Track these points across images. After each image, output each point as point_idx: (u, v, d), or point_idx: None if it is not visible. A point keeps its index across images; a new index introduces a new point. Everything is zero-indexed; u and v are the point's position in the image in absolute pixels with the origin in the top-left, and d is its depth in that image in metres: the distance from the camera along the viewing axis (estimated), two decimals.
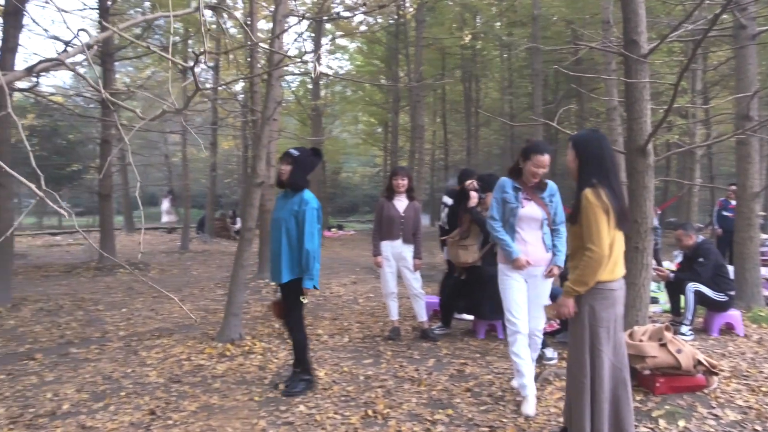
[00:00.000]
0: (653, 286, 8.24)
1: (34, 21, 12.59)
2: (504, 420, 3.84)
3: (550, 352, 5.18)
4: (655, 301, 7.69)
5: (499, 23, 20.38)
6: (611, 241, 3.02)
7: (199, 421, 3.85)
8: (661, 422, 3.74)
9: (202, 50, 1.86)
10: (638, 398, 4.12)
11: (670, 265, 9.08)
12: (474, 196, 5.80)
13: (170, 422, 3.83)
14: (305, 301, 4.38)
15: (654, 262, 9.76)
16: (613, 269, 3.09)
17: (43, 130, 19.12)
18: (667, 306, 7.02)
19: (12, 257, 8.59)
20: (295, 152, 4.49)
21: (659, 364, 4.21)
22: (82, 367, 5.13)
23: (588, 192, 3.03)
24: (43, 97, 11.76)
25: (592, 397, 3.07)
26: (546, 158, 4.02)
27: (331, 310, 7.77)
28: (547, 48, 12.39)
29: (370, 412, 3.98)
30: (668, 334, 4.31)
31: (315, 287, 4.36)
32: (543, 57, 14.82)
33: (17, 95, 14.28)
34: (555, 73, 20.01)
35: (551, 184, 4.27)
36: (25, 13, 8.64)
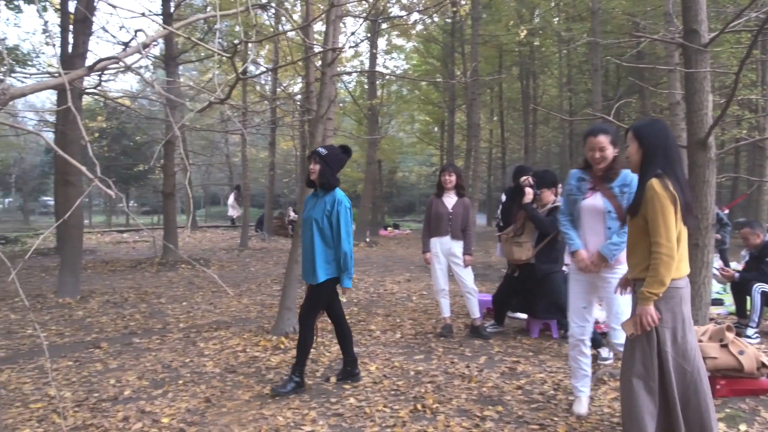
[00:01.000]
0: (718, 287, 7.93)
1: (103, 28, 13.16)
2: (555, 419, 3.78)
3: (605, 352, 5.06)
4: (719, 302, 7.39)
5: (557, 18, 20.00)
6: (677, 236, 2.84)
7: (252, 410, 3.95)
8: (721, 426, 3.60)
9: (240, 41, 1.92)
10: None
11: (737, 266, 8.71)
12: (529, 193, 5.73)
13: (224, 410, 3.95)
14: (344, 299, 4.42)
15: (720, 262, 9.43)
16: (678, 266, 2.87)
17: (112, 132, 19.98)
18: (733, 308, 6.73)
19: (81, 253, 9.02)
20: (323, 151, 4.43)
21: (720, 366, 4.05)
22: (144, 356, 5.35)
23: (654, 182, 2.82)
24: (111, 100, 12.28)
25: (664, 402, 2.89)
26: (599, 139, 3.66)
27: (384, 306, 7.81)
28: (607, 42, 12.07)
29: (419, 406, 3.99)
30: (730, 335, 4.15)
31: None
32: (603, 52, 14.44)
33: (88, 99, 14.96)
34: (616, 68, 19.47)
35: (624, 173, 3.77)
36: (93, 20, 9.03)
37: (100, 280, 10.26)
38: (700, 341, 4.16)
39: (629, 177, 3.73)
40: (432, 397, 4.16)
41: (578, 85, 22.55)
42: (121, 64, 2.43)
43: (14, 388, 4.44)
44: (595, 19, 13.87)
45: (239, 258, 14.05)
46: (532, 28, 18.63)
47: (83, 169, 1.63)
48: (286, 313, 6.08)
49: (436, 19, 20.25)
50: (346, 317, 6.97)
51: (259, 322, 6.79)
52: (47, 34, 14.71)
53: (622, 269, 3.64)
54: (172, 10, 12.83)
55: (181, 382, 4.58)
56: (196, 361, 5.19)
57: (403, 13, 16.25)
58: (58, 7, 12.68)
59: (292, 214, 20.31)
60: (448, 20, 20.32)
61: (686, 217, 2.87)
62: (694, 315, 4.63)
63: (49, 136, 15.15)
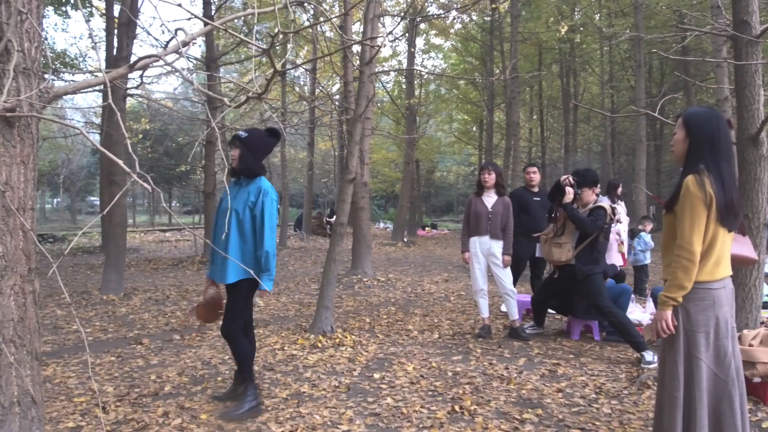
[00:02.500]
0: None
1: (146, 31, 13.47)
2: (597, 423, 3.67)
3: (649, 356, 4.91)
4: None
5: (598, 14, 19.63)
6: (712, 237, 2.63)
7: (290, 408, 3.95)
8: None
9: (275, 33, 1.91)
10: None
11: None
12: (569, 192, 5.57)
13: (262, 407, 3.96)
14: (261, 303, 3.80)
15: None
16: (714, 270, 2.66)
17: (155, 134, 20.44)
18: None
19: (125, 251, 9.24)
20: (242, 134, 3.94)
21: None
22: (184, 353, 5.42)
23: (690, 179, 2.62)
24: (155, 101, 12.55)
25: (687, 412, 2.66)
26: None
27: (422, 306, 7.77)
28: (651, 37, 11.75)
29: (457, 407, 3.93)
30: None
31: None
32: (646, 47, 14.08)
33: (132, 101, 15.29)
34: (660, 64, 19.00)
35: None
36: (137, 23, 9.23)
37: (143, 278, 10.48)
38: (751, 345, 3.99)
39: None
40: (470, 399, 4.09)
41: (621, 82, 22.09)
42: (161, 62, 2.45)
43: (59, 381, 4.55)
44: (639, 14, 13.54)
45: (278, 257, 14.19)
46: (573, 25, 18.32)
47: (120, 162, 1.65)
48: (324, 312, 6.09)
49: (474, 18, 20.10)
50: (384, 317, 6.99)
51: (296, 320, 6.82)
52: (92, 38, 15.11)
53: None
54: (213, 12, 13.04)
55: (219, 379, 4.62)
56: None
57: (441, 11, 16.15)
58: (104, 11, 13.03)
59: (332, 217, 20.47)
60: (487, 18, 20.15)
61: (724, 219, 2.62)
62: (745, 318, 4.46)
63: (96, 137, 15.58)
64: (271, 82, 2.18)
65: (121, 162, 1.64)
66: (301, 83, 22.68)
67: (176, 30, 2.53)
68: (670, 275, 2.68)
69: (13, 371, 2.17)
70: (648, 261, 8.35)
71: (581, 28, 19.47)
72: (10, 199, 2.15)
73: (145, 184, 1.55)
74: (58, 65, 13.48)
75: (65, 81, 12.47)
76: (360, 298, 8.41)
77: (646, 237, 8.27)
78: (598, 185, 5.81)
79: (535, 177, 7.22)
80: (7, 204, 2.13)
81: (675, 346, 2.70)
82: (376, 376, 4.66)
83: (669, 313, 2.70)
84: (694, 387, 2.64)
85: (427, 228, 25.23)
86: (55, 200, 48.38)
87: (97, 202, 33.92)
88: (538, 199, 7.05)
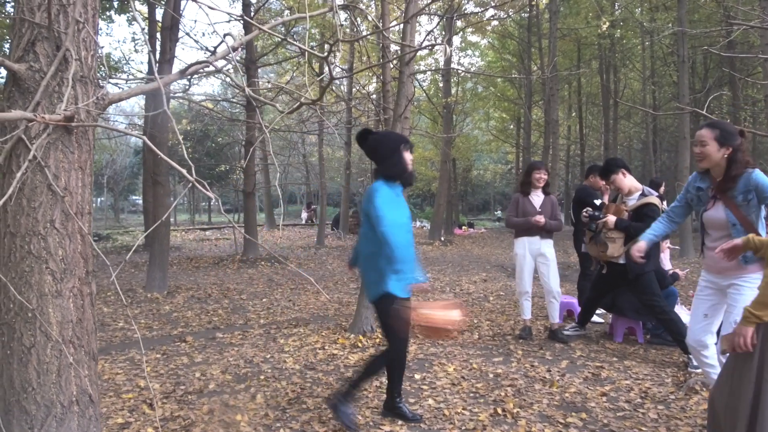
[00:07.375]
0: None
1: (187, 34, 13.72)
2: (643, 428, 3.61)
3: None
4: None
5: (639, 9, 19.21)
6: None
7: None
8: None
9: (334, 40, 1.93)
10: None
11: None
12: (605, 220, 5.41)
13: (304, 407, 4.01)
14: None
15: None
16: None
17: (196, 134, 20.81)
18: None
19: (168, 250, 9.43)
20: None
21: None
22: (227, 351, 5.51)
23: None
24: (197, 103, 12.78)
25: None
26: (700, 132, 3.40)
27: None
28: (695, 32, 11.44)
29: (499, 410, 3.91)
30: None
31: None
32: (690, 42, 13.72)
33: (174, 103, 15.60)
34: (704, 59, 18.51)
35: (746, 177, 3.31)
36: (180, 27, 9.43)
37: (185, 276, 10.69)
38: None
39: (753, 180, 3.31)
40: (512, 401, 4.07)
41: (663, 77, 21.59)
42: (211, 67, 2.50)
43: (108, 378, 4.68)
44: (682, 8, 13.20)
45: (316, 256, 14.30)
46: (614, 20, 17.99)
47: (183, 171, 1.69)
48: (364, 312, 6.11)
49: (511, 14, 19.92)
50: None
51: (336, 319, 6.87)
52: (137, 42, 15.48)
53: (755, 277, 3.36)
54: (252, 14, 13.21)
55: (262, 377, 4.68)
56: (276, 357, 5.30)
57: (478, 9, 16.04)
58: (146, 15, 13.34)
59: None
60: (525, 15, 19.94)
61: None
62: None
63: (136, 140, 15.96)
64: (326, 89, 2.20)
65: (184, 170, 1.68)
66: (337, 83, 22.81)
67: (225, 35, 2.58)
68: (761, 291, 2.52)
69: (72, 371, 2.24)
70: None
71: (622, 23, 19.10)
72: (69, 204, 2.22)
73: (208, 192, 1.59)
74: (107, 69, 13.85)
75: (120, 88, 12.82)
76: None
77: None
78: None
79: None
80: (66, 209, 2.20)
81: (748, 365, 2.55)
82: (417, 376, 4.66)
83: (751, 330, 2.53)
84: (758, 411, 2.52)
85: (464, 227, 25.10)
86: (99, 199, 49.70)
87: (140, 201, 34.73)
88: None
